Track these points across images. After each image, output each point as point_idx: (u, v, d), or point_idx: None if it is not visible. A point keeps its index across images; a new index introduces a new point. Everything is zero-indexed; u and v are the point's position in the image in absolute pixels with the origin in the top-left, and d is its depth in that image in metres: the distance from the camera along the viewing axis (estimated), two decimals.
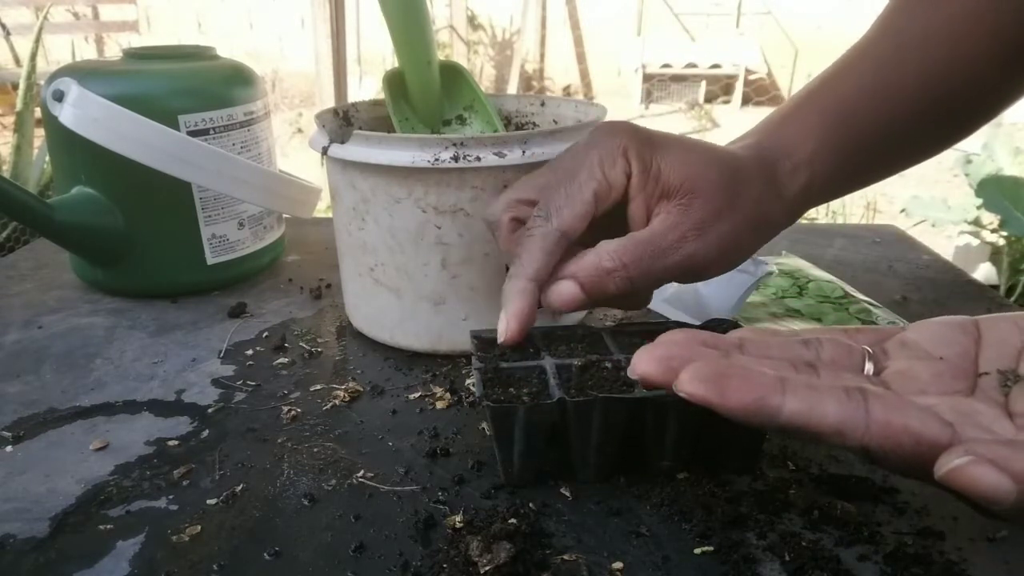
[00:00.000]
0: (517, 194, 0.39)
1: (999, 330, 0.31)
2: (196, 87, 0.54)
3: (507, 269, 0.38)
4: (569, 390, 0.34)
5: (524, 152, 0.42)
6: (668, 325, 0.40)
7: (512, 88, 4.50)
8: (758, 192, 0.39)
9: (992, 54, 0.41)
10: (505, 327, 0.36)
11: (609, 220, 0.38)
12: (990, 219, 1.71)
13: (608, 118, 0.49)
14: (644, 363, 0.29)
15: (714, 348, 0.30)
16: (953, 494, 0.25)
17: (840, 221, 2.45)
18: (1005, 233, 1.68)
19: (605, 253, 0.36)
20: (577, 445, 0.34)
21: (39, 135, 1.64)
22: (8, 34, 3.92)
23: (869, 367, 0.31)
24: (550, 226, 0.36)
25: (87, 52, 4.55)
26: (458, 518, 0.33)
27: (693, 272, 0.38)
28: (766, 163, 0.40)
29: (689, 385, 0.27)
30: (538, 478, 0.35)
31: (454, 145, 0.42)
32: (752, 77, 4.95)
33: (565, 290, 0.36)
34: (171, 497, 0.35)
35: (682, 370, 0.27)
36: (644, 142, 0.38)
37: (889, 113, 0.42)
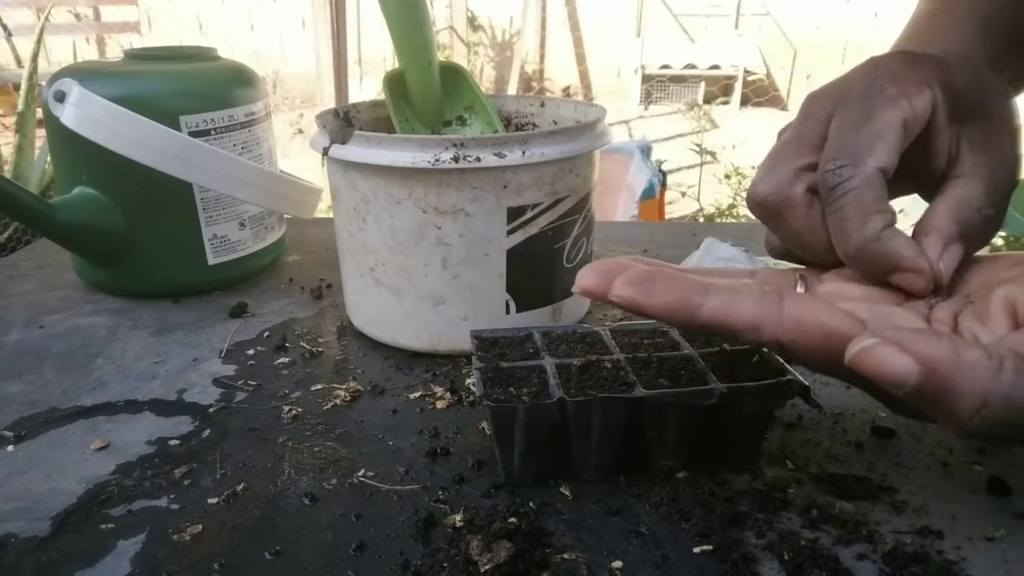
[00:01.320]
0: (796, 160, 0.32)
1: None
2: (197, 88, 0.54)
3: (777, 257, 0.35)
4: (569, 390, 0.34)
5: (524, 153, 0.42)
6: (665, 324, 0.40)
7: (512, 89, 4.50)
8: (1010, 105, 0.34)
9: None
10: (928, 275, 0.30)
11: (907, 163, 0.32)
12: None
13: (607, 119, 0.49)
14: (586, 277, 0.29)
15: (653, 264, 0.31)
16: (864, 387, 0.27)
17: None
18: (1004, 233, 1.68)
19: (980, 201, 0.31)
20: (577, 444, 0.34)
21: (41, 136, 1.65)
22: (9, 35, 3.93)
23: (800, 289, 0.31)
24: (867, 168, 0.30)
25: (88, 53, 4.55)
26: (458, 517, 0.33)
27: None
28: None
29: (619, 288, 0.28)
30: (538, 477, 0.35)
31: (454, 146, 0.42)
32: (751, 78, 4.95)
33: (958, 255, 0.31)
34: (172, 496, 0.35)
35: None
36: (947, 75, 0.32)
37: None
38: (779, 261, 0.37)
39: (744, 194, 2.51)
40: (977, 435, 0.24)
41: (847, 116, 0.31)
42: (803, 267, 0.34)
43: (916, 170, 0.32)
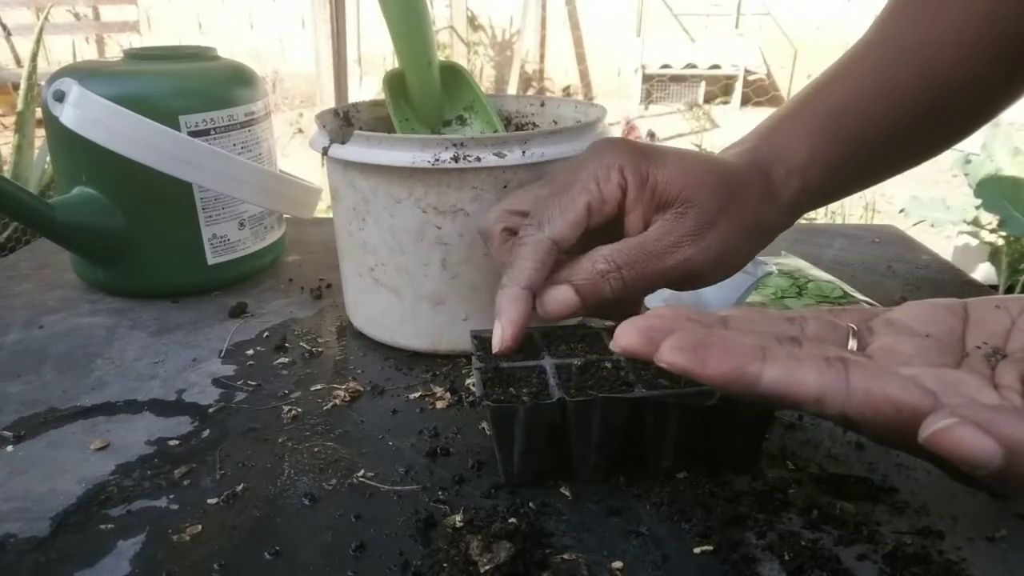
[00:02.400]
0: (510, 205, 0.40)
1: (986, 312, 0.31)
2: (197, 87, 0.54)
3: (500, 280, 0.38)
4: (569, 390, 0.34)
5: (524, 152, 0.42)
6: None
7: (512, 89, 4.50)
8: (754, 198, 0.39)
9: (993, 56, 0.41)
10: (500, 335, 0.36)
11: (605, 236, 0.38)
12: (989, 219, 1.71)
13: (608, 119, 0.49)
14: (627, 335, 0.29)
15: (698, 322, 0.31)
16: (935, 462, 0.26)
17: (839, 221, 2.45)
18: (1004, 233, 1.68)
19: (599, 256, 0.37)
20: (577, 445, 0.34)
21: (40, 135, 1.65)
22: (9, 34, 3.93)
23: (853, 343, 0.31)
24: (541, 234, 0.37)
25: (88, 53, 4.55)
26: (458, 517, 0.33)
27: (690, 278, 0.38)
28: (760, 169, 0.40)
29: (669, 355, 0.27)
30: (538, 477, 0.35)
31: (454, 145, 0.42)
32: (751, 77, 4.95)
33: (560, 296, 0.36)
34: (172, 496, 0.35)
35: (663, 342, 0.27)
36: (640, 156, 0.38)
37: (885, 116, 0.42)
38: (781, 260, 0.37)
39: None
40: None
41: (555, 186, 0.38)
42: (850, 310, 0.33)
43: (613, 234, 0.38)
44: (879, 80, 0.42)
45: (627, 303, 0.39)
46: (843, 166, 0.42)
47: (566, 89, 5.25)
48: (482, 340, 0.39)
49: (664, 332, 0.28)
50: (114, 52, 4.23)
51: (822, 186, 0.42)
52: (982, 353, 0.29)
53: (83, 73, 0.52)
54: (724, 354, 0.26)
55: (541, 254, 0.36)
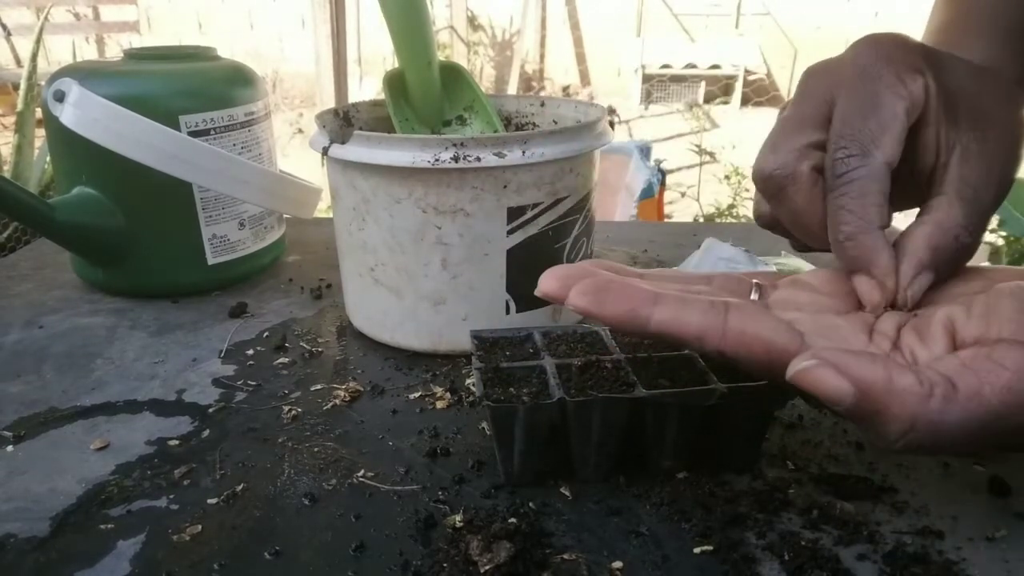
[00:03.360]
0: (802, 139, 0.32)
1: None
2: (197, 87, 0.54)
3: (785, 236, 0.35)
4: (569, 390, 0.34)
5: (524, 152, 0.42)
6: None
7: (512, 89, 4.50)
8: (1019, 105, 0.33)
9: None
10: (881, 293, 0.31)
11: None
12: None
13: (607, 119, 0.49)
14: (547, 282, 0.31)
15: (613, 273, 0.32)
16: (804, 397, 0.28)
17: None
18: (1004, 233, 1.68)
19: (960, 228, 0.30)
20: (577, 444, 0.34)
21: (40, 135, 1.65)
22: (9, 34, 3.93)
23: (755, 296, 0.32)
24: (875, 162, 0.30)
25: (88, 53, 4.55)
26: (458, 517, 0.33)
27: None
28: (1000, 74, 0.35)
29: (574, 298, 0.29)
30: (538, 477, 0.35)
31: (454, 145, 0.42)
32: (751, 77, 4.95)
33: (927, 283, 0.31)
34: (172, 497, 0.35)
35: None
36: (932, 58, 0.32)
37: None
38: (775, 260, 0.37)
39: (744, 194, 2.51)
40: (904, 452, 0.26)
41: (851, 100, 0.31)
42: (762, 274, 0.35)
43: (902, 164, 0.32)
44: None
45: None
46: None
47: (565, 89, 5.25)
48: (483, 340, 0.39)
49: (578, 279, 0.30)
50: (114, 52, 4.24)
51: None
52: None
53: (83, 73, 0.52)
54: (620, 297, 0.29)
55: (883, 184, 0.30)
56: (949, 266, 0.31)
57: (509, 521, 0.31)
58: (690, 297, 0.29)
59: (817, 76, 0.33)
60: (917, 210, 0.33)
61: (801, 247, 0.36)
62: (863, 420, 0.26)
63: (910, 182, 0.32)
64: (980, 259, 1.81)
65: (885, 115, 0.30)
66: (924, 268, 0.31)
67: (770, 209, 0.35)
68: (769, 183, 0.33)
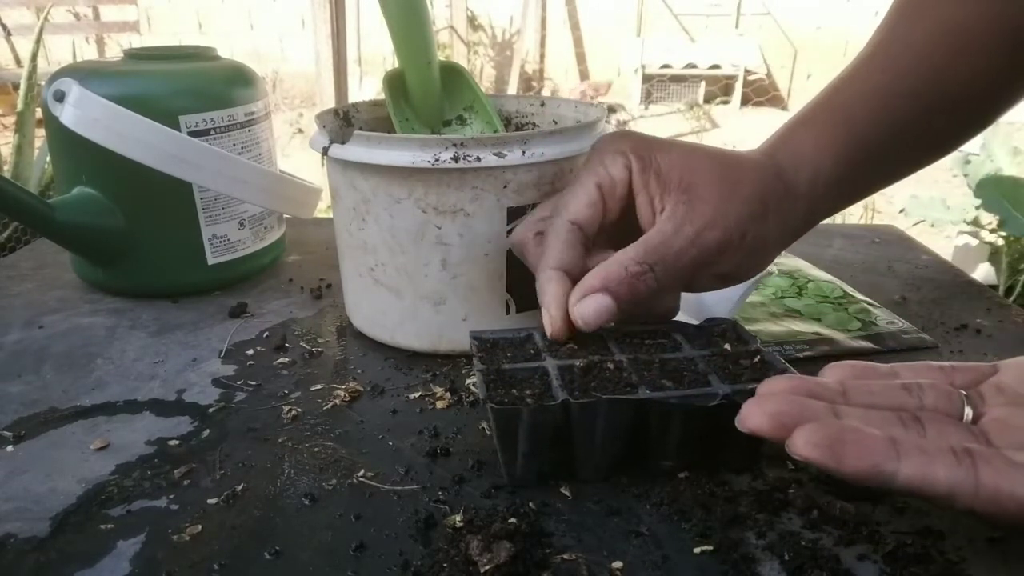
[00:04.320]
0: (537, 214, 0.42)
1: None
2: (197, 87, 0.54)
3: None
4: (573, 391, 0.34)
5: (524, 152, 0.42)
6: (666, 326, 0.40)
7: (512, 89, 4.50)
8: (764, 185, 0.39)
9: (992, 52, 0.41)
10: (549, 319, 0.37)
11: (622, 231, 0.39)
12: (989, 219, 1.71)
13: (608, 118, 0.49)
14: (755, 418, 0.30)
15: (819, 399, 0.31)
16: None
17: (839, 221, 2.45)
18: (1004, 233, 1.68)
19: (628, 259, 0.37)
20: (581, 445, 0.34)
21: (40, 135, 1.64)
22: (9, 34, 3.93)
23: (968, 413, 0.32)
24: (561, 219, 0.38)
25: (88, 53, 4.55)
26: (458, 517, 0.33)
27: (722, 275, 0.39)
28: (776, 165, 0.41)
29: (804, 449, 0.28)
30: (540, 478, 0.35)
31: (454, 145, 0.42)
32: (751, 77, 4.95)
33: (596, 303, 0.36)
34: (172, 497, 0.35)
35: (795, 428, 0.28)
36: (641, 142, 0.39)
37: (892, 117, 0.42)
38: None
39: None
40: None
41: (569, 184, 0.40)
42: (958, 367, 0.35)
43: (631, 228, 0.39)
44: (884, 80, 0.42)
45: (662, 302, 0.40)
46: (855, 166, 0.42)
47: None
48: (483, 341, 0.39)
49: (794, 418, 0.29)
50: (114, 52, 4.24)
51: (840, 187, 0.42)
52: None
53: (83, 73, 0.52)
54: (860, 451, 0.28)
55: (564, 234, 0.38)
56: (624, 291, 0.36)
57: (509, 521, 0.31)
58: (930, 446, 0.28)
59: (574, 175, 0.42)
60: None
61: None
62: None
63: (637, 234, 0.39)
64: (980, 259, 1.81)
65: (578, 188, 0.39)
66: (592, 292, 0.36)
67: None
68: (514, 250, 0.43)
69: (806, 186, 0.41)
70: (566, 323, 0.37)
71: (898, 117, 0.42)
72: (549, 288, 0.37)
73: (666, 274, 0.37)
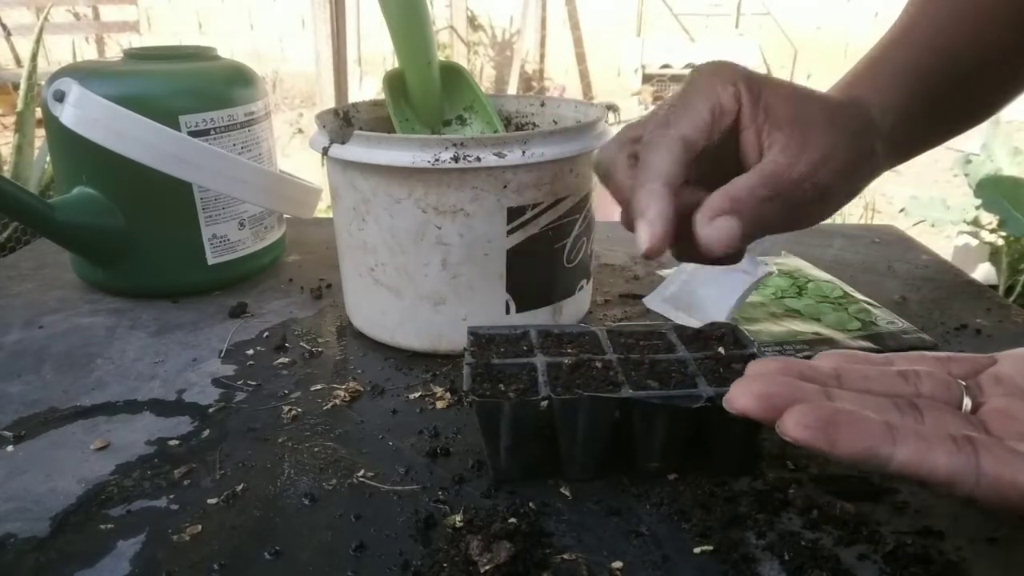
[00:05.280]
0: (627, 134, 0.38)
1: None
2: (197, 87, 0.54)
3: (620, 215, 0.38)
4: (556, 388, 0.34)
5: (524, 152, 0.42)
6: (666, 326, 0.40)
7: (512, 89, 4.50)
8: (861, 126, 0.39)
9: (1008, 25, 0.42)
10: (650, 231, 0.33)
11: (721, 160, 0.37)
12: (989, 219, 1.71)
13: (608, 118, 0.49)
14: (743, 399, 0.29)
15: (811, 381, 0.31)
16: None
17: (839, 221, 2.45)
18: (1004, 233, 1.68)
19: (755, 184, 0.34)
20: (564, 442, 0.34)
21: (40, 135, 1.64)
22: (9, 34, 3.92)
23: (967, 403, 0.31)
24: (671, 132, 0.35)
25: (88, 52, 4.55)
26: (458, 517, 0.33)
27: (820, 209, 0.38)
28: (859, 105, 0.40)
29: (794, 430, 0.27)
30: (526, 473, 0.35)
31: (454, 145, 0.42)
32: None
33: (726, 226, 0.34)
34: (172, 497, 0.35)
35: (785, 410, 0.27)
36: (751, 76, 0.37)
37: (957, 67, 0.42)
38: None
39: None
40: None
41: (671, 100, 0.37)
42: (956, 358, 0.34)
43: (722, 163, 0.37)
44: (937, 41, 0.43)
45: (781, 226, 0.37)
46: (921, 118, 0.42)
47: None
48: (478, 336, 0.39)
49: (784, 399, 0.28)
50: (114, 52, 4.24)
51: (908, 130, 0.42)
52: None
53: (83, 73, 0.52)
54: (854, 433, 0.27)
55: (675, 151, 0.35)
56: (753, 215, 0.34)
57: (509, 521, 0.31)
58: (928, 432, 0.27)
59: (671, 96, 0.39)
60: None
61: (680, 255, 0.38)
62: None
63: (738, 172, 0.36)
64: (979, 258, 1.81)
65: (689, 108, 0.36)
66: (721, 213, 0.34)
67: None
68: (598, 170, 0.39)
69: (886, 122, 0.40)
70: (668, 239, 0.34)
71: (956, 69, 0.42)
72: (655, 203, 0.34)
73: (784, 205, 0.35)
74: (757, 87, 0.37)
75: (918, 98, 0.41)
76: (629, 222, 0.37)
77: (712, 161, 0.37)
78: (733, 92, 0.36)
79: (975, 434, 0.28)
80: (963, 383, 0.32)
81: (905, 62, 0.43)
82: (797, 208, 0.36)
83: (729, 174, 0.36)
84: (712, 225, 0.34)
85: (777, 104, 0.36)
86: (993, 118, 0.48)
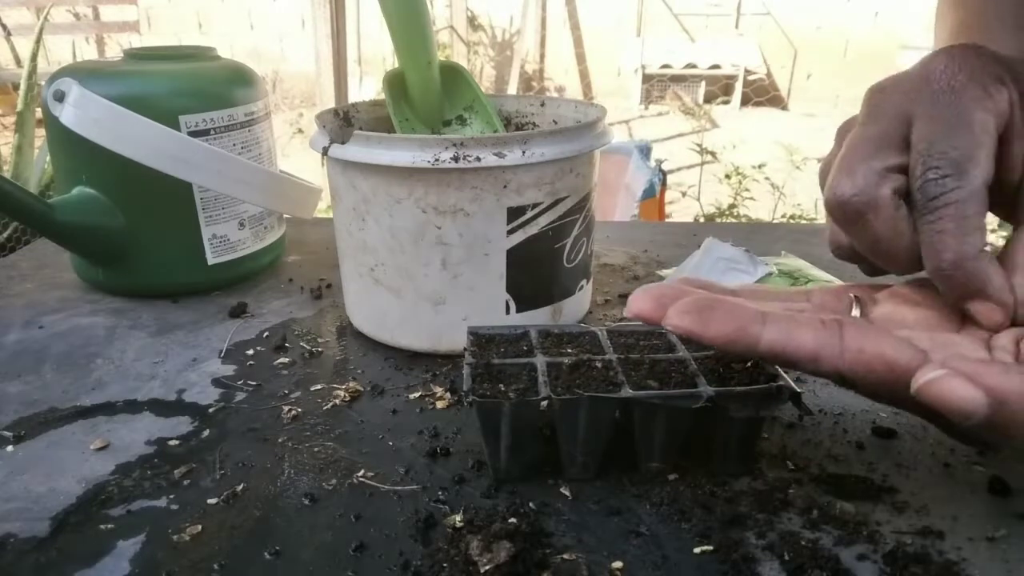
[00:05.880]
0: (882, 161, 0.29)
1: None
2: (197, 87, 0.54)
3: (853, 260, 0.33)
4: (556, 388, 0.34)
5: (524, 152, 0.42)
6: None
7: (512, 89, 4.50)
8: None
9: None
10: (1004, 310, 0.29)
11: None
12: (989, 219, 1.71)
13: (607, 118, 0.49)
14: (639, 301, 0.29)
15: (707, 291, 0.31)
16: (926, 416, 0.27)
17: None
18: (1004, 233, 1.68)
19: None
20: (564, 443, 0.34)
21: (40, 135, 1.64)
22: (9, 34, 3.92)
23: (856, 311, 0.31)
24: (974, 182, 0.28)
25: (88, 53, 4.55)
26: (458, 517, 0.33)
27: None
28: None
29: (675, 318, 0.28)
30: (526, 473, 0.35)
31: (454, 145, 0.42)
32: (751, 77, 4.95)
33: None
34: (172, 497, 0.35)
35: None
36: (1012, 66, 0.30)
37: None
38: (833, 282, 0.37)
39: (744, 194, 2.51)
40: None
41: (935, 117, 0.29)
42: (857, 285, 0.34)
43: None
44: None
45: None
46: None
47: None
48: (478, 336, 0.39)
49: (674, 299, 0.28)
50: (114, 52, 4.23)
51: None
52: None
53: (83, 73, 0.52)
54: (726, 316, 0.27)
55: (982, 206, 0.28)
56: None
57: (509, 521, 0.31)
58: (799, 315, 0.28)
59: (887, 93, 0.31)
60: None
61: (875, 272, 0.33)
62: (997, 434, 0.25)
63: (995, 197, 0.30)
64: None
65: (976, 131, 0.28)
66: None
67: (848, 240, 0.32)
68: (847, 209, 0.30)
69: None
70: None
71: None
72: (995, 279, 0.28)
73: None
74: (1020, 81, 0.29)
75: None
76: (876, 270, 0.32)
77: None
78: (1008, 97, 0.29)
79: (844, 318, 0.28)
80: (856, 296, 0.32)
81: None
82: None
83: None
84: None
85: None
86: None
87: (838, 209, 0.30)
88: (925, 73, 0.30)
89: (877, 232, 0.30)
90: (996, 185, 0.29)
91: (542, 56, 5.30)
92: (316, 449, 0.39)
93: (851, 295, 0.32)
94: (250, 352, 0.49)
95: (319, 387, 0.45)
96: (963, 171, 0.28)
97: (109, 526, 0.33)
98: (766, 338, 0.27)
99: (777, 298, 0.32)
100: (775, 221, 2.36)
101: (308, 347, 0.50)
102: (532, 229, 0.45)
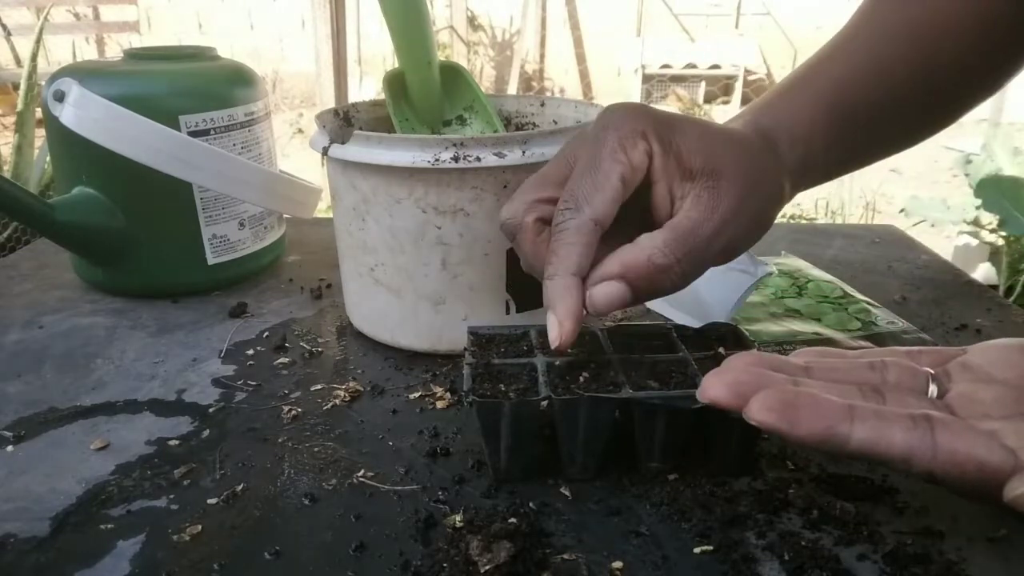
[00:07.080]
0: (535, 194, 0.37)
1: None
2: (197, 87, 0.54)
3: (528, 274, 0.37)
4: (556, 388, 0.34)
5: (524, 152, 0.42)
6: (666, 326, 0.40)
7: (512, 89, 4.50)
8: (770, 167, 0.39)
9: (976, 39, 0.41)
10: (559, 330, 0.34)
11: (629, 209, 0.36)
12: (989, 219, 1.71)
13: None
14: (714, 388, 0.30)
15: (781, 372, 0.31)
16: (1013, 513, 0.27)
17: (839, 221, 2.44)
18: (1004, 233, 1.68)
19: (655, 249, 0.34)
20: (564, 443, 0.35)
21: (40, 135, 1.64)
22: (9, 34, 3.92)
23: (933, 389, 0.31)
24: (582, 216, 0.34)
25: (88, 53, 4.55)
26: (458, 517, 0.33)
27: (729, 255, 0.38)
28: (766, 136, 0.40)
29: (759, 414, 0.28)
30: (526, 474, 0.35)
31: (454, 145, 0.42)
32: (751, 78, 4.94)
33: (613, 291, 0.34)
34: (172, 497, 0.35)
35: (752, 397, 0.28)
36: (661, 123, 0.36)
37: (879, 94, 0.41)
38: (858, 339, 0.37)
39: None
40: None
41: (581, 163, 0.35)
42: (926, 352, 0.34)
43: (642, 214, 0.36)
44: (871, 59, 0.42)
45: (673, 286, 0.36)
46: (842, 140, 0.41)
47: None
48: (478, 336, 0.39)
49: (751, 386, 0.29)
50: (114, 52, 4.24)
51: (823, 159, 0.41)
52: None
53: (83, 73, 0.52)
54: (814, 415, 0.27)
55: (586, 237, 0.34)
56: (644, 283, 0.34)
57: (509, 521, 0.31)
58: (887, 411, 0.28)
59: (572, 141, 0.38)
60: None
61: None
62: None
63: (651, 226, 0.36)
64: (979, 258, 1.81)
65: (600, 178, 0.34)
66: (610, 279, 0.34)
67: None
68: (504, 230, 0.38)
69: (794, 154, 0.40)
70: (575, 336, 0.34)
71: (886, 95, 0.41)
72: (567, 298, 0.33)
73: (691, 265, 0.35)
74: (667, 134, 0.35)
75: (841, 119, 0.41)
76: (530, 271, 0.37)
77: (622, 212, 0.35)
78: (644, 149, 0.35)
79: (934, 413, 0.28)
80: (931, 371, 0.32)
81: (829, 84, 0.41)
82: (704, 264, 0.35)
83: (639, 223, 0.35)
84: (597, 288, 0.34)
85: (688, 151, 0.35)
86: (993, 119, 0.47)
87: (501, 229, 0.38)
88: (592, 126, 0.36)
89: (524, 249, 0.37)
90: (650, 215, 0.36)
91: (542, 56, 5.30)
92: (316, 449, 0.39)
93: (926, 372, 0.32)
94: (250, 352, 0.49)
95: (319, 387, 0.45)
96: (579, 208, 0.34)
97: (109, 526, 0.33)
98: (856, 437, 0.27)
99: (852, 375, 0.32)
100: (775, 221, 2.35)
101: (308, 347, 0.50)
102: None
